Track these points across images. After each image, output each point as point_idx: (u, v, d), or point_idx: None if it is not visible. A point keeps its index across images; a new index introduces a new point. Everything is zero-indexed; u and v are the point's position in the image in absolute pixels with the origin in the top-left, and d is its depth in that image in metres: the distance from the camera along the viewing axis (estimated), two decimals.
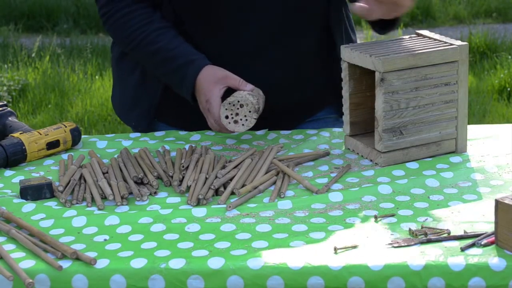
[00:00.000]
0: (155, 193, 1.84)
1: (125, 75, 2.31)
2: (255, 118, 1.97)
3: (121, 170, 1.92)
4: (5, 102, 2.21)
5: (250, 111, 1.97)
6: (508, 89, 5.67)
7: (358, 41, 2.34)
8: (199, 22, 2.15)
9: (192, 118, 2.22)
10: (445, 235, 1.58)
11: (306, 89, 2.25)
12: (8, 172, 1.99)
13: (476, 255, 1.50)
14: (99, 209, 1.76)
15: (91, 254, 1.55)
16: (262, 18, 2.12)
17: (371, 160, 1.97)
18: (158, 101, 2.24)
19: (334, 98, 2.30)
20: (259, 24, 2.12)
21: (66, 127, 2.11)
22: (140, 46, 2.13)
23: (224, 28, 2.14)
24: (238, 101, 1.97)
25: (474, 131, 2.11)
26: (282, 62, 2.17)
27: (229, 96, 2.00)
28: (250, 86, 2.02)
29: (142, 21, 2.12)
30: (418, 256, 1.50)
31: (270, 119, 2.20)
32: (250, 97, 1.96)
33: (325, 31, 2.22)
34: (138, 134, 2.22)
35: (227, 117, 1.98)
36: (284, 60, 2.17)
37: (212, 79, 2.04)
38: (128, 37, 2.14)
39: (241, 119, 1.97)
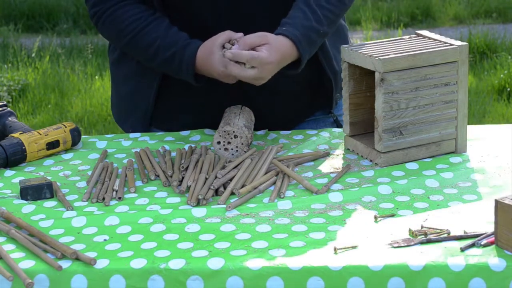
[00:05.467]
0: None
1: (120, 82, 2.31)
2: (245, 151, 2.01)
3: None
4: (5, 102, 2.21)
5: (242, 143, 2.01)
6: (508, 89, 5.67)
7: (358, 42, 2.33)
8: (186, 28, 2.14)
9: (186, 122, 2.22)
10: (445, 235, 1.58)
11: (297, 91, 2.24)
12: (8, 172, 1.99)
13: (476, 255, 1.50)
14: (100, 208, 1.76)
15: (91, 254, 1.55)
16: (249, 20, 2.10)
17: (371, 161, 1.97)
18: (152, 108, 2.23)
19: (323, 98, 2.29)
20: (246, 26, 2.10)
21: (66, 127, 2.12)
22: (135, 39, 2.11)
23: (209, 31, 2.13)
24: (234, 132, 2.00)
25: (474, 131, 2.11)
26: None
27: (225, 122, 2.02)
28: (239, 34, 2.01)
29: (134, 15, 2.12)
30: (418, 257, 1.50)
31: (259, 124, 2.19)
32: (246, 130, 2.01)
33: None
34: (138, 134, 2.21)
35: (219, 142, 2.02)
36: None
37: (206, 53, 2.02)
38: (122, 31, 2.13)
39: (232, 149, 2.01)
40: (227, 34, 2.02)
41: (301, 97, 2.26)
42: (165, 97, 2.23)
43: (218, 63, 2.00)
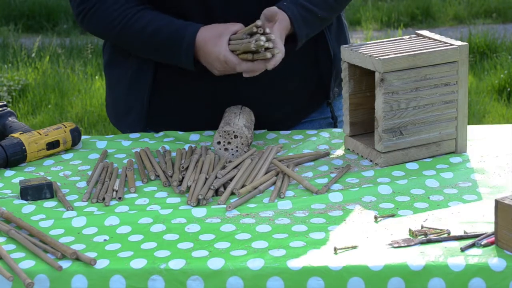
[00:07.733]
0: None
1: (114, 84, 2.30)
2: (245, 151, 2.01)
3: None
4: (5, 102, 2.21)
5: (242, 144, 2.01)
6: (508, 89, 5.67)
7: (358, 42, 2.33)
8: None
9: (182, 123, 2.22)
10: (445, 235, 1.58)
11: (293, 90, 2.23)
12: (8, 173, 1.99)
13: (476, 256, 1.50)
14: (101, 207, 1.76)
15: (91, 255, 1.55)
16: (242, 20, 2.10)
17: (371, 161, 1.97)
18: (147, 109, 2.22)
19: (322, 96, 2.29)
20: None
21: (66, 127, 2.12)
22: (128, 25, 2.10)
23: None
24: (233, 132, 1.99)
25: (474, 131, 2.11)
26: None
27: (225, 122, 2.02)
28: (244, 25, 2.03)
29: (123, 6, 2.11)
30: (418, 257, 1.50)
31: (259, 125, 2.18)
32: (246, 130, 2.00)
33: None
34: (138, 135, 2.21)
35: (219, 142, 2.01)
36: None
37: (214, 34, 2.03)
38: (113, 21, 2.11)
39: (232, 149, 2.01)
40: (239, 25, 2.03)
41: (297, 97, 2.25)
42: (160, 98, 2.22)
43: (224, 48, 1.99)
